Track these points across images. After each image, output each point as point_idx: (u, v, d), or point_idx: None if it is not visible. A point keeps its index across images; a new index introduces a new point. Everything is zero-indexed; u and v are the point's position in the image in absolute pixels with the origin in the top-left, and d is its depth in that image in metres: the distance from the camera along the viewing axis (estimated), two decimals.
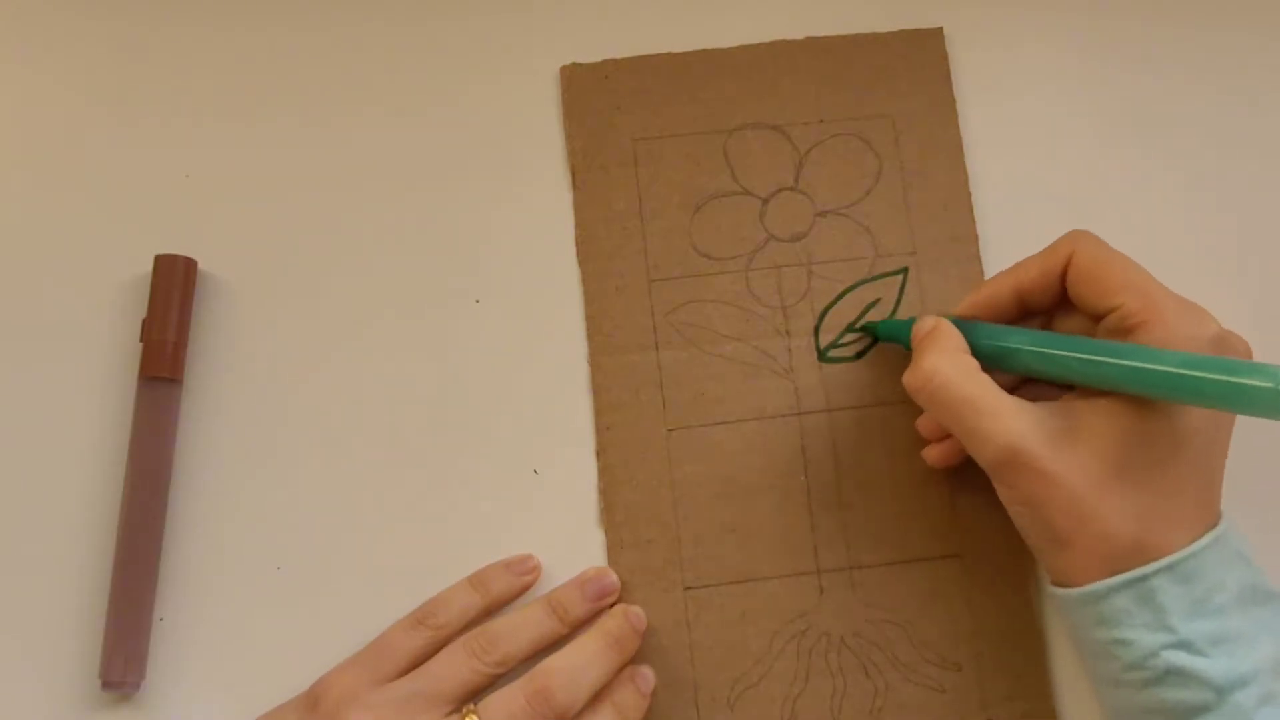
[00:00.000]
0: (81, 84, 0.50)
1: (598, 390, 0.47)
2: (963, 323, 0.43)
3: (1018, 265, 0.43)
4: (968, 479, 0.46)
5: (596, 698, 0.42)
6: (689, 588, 0.45)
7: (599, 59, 0.49)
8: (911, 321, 0.44)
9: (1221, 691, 0.37)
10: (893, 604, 0.45)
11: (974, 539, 0.45)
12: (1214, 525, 0.39)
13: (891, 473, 0.46)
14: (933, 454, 0.45)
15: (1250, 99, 0.50)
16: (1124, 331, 0.39)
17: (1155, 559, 0.38)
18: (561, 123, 0.49)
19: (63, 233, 0.48)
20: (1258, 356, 0.39)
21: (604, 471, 0.46)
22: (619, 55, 0.49)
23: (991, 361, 0.41)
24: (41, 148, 0.49)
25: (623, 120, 0.49)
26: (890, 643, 0.45)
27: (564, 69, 0.49)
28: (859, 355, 0.47)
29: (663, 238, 0.48)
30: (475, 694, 0.41)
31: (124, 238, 0.48)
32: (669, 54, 0.50)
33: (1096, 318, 0.41)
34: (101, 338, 0.47)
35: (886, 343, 0.47)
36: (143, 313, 0.46)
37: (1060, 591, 0.40)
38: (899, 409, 0.47)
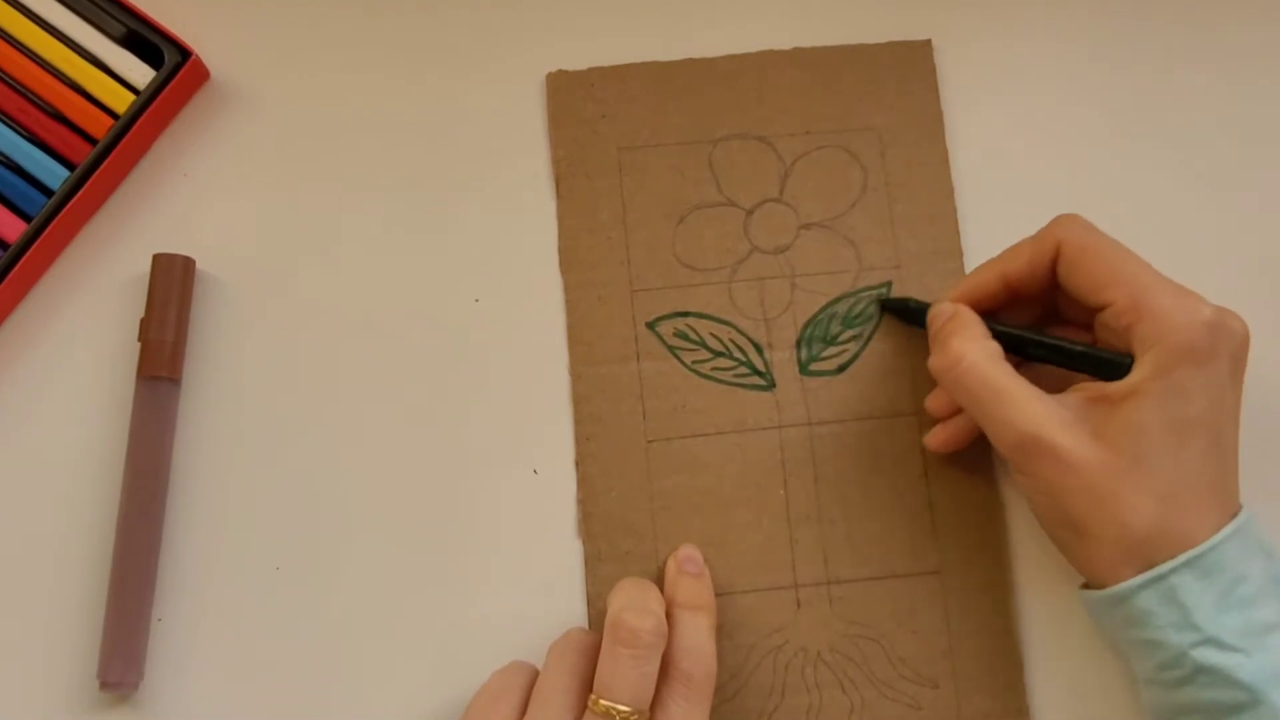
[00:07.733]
0: None
1: (578, 401, 0.46)
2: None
3: (1006, 252, 0.43)
4: (948, 494, 0.45)
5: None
6: None
7: (585, 67, 0.49)
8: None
9: (1254, 691, 0.36)
10: (870, 620, 0.45)
11: (953, 556, 0.45)
12: (1235, 515, 0.39)
13: (871, 488, 0.46)
14: (936, 438, 0.44)
15: (1246, 98, 0.50)
16: (1119, 330, 0.39)
17: (1178, 550, 0.38)
18: (546, 130, 0.49)
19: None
20: (1257, 355, 0.40)
21: (583, 482, 0.46)
22: (605, 63, 0.49)
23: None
24: None
25: (608, 129, 0.49)
26: (867, 659, 0.44)
27: (549, 76, 0.49)
28: (841, 369, 0.47)
29: (646, 248, 0.48)
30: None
31: (122, 237, 0.48)
32: (655, 63, 0.49)
33: (1090, 310, 0.41)
34: (100, 337, 0.47)
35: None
36: (141, 312, 0.46)
37: (1086, 594, 0.40)
38: (880, 424, 0.46)
